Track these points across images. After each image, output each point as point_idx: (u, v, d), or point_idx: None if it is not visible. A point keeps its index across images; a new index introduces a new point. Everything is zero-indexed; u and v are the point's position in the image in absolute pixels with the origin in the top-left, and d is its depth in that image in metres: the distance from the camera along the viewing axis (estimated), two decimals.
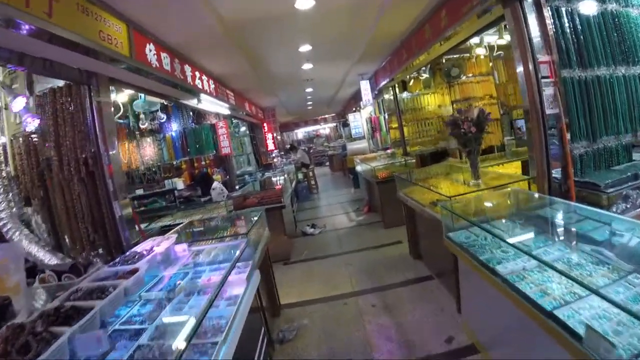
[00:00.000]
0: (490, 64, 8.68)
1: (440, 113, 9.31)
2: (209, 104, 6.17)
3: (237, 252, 2.78)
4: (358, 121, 12.55)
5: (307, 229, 7.61)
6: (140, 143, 7.97)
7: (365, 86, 8.64)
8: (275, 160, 13.00)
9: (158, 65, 3.90)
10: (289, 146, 15.99)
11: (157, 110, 6.76)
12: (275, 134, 12.02)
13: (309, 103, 13.50)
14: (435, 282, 4.48)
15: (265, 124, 11.80)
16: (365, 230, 7.29)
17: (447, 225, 3.21)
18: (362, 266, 5.41)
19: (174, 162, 8.25)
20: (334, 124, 25.70)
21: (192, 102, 5.52)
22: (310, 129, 26.07)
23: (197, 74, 5.20)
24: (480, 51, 7.49)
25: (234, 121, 11.21)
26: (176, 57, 4.40)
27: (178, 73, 4.41)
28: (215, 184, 6.78)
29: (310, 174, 13.33)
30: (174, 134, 8.09)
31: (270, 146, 12.06)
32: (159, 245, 2.93)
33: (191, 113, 8.04)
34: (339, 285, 4.87)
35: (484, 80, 8.64)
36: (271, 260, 4.29)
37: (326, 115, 20.39)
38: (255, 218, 3.72)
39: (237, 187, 9.18)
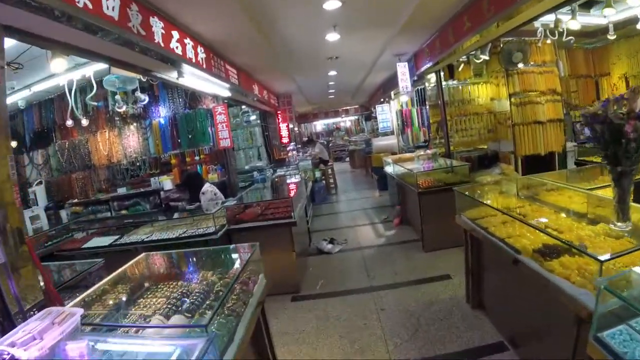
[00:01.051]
0: (555, 53, 7.01)
1: (492, 108, 7.62)
2: (197, 80, 4.62)
3: None
4: (386, 114, 10.88)
5: (324, 245, 6.05)
6: (123, 131, 6.53)
7: (402, 69, 6.98)
8: (290, 154, 11.46)
9: (92, 6, 2.36)
10: (306, 139, 14.44)
11: (136, 90, 5.26)
12: (290, 125, 10.45)
13: (331, 91, 11.81)
14: (510, 355, 2.91)
15: (279, 113, 10.26)
16: (399, 252, 5.67)
17: (601, 318, 1.59)
18: (399, 315, 3.82)
19: (162, 156, 6.78)
20: (356, 117, 23.99)
21: (171, 77, 3.97)
22: (330, 121, 24.40)
23: (176, 34, 3.64)
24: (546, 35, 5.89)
25: (243, 108, 9.70)
26: (133, 0, 2.85)
27: (136, 26, 2.86)
28: (206, 187, 5.27)
29: (329, 171, 11.74)
30: (162, 120, 6.61)
31: (285, 138, 10.51)
32: (37, 339, 1.40)
33: (184, 95, 6.54)
34: (367, 348, 3.32)
35: (546, 72, 7.00)
36: (274, 293, 2.77)
37: (348, 107, 18.69)
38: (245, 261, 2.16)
39: (240, 187, 7.71)
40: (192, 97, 6.51)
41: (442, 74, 7.07)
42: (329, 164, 12.58)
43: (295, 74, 8.00)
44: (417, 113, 10.76)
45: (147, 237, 4.42)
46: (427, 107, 7.26)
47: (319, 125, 25.45)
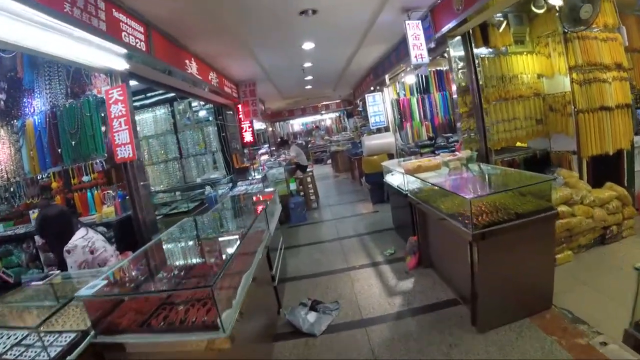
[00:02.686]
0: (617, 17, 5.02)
1: (540, 88, 5.38)
2: (41, 32, 2.14)
3: None
4: (379, 105, 8.50)
5: (302, 316, 3.63)
6: None
7: (415, 31, 4.58)
8: (259, 159, 8.99)
9: None
10: (279, 140, 11.96)
11: None
12: (258, 122, 7.94)
13: (308, 78, 9.29)
14: None
15: (240, 107, 7.75)
16: (431, 331, 3.27)
17: None
18: None
19: (39, 176, 4.22)
20: (337, 114, 21.59)
21: None
22: (308, 119, 21.90)
23: None
24: None
25: (193, 104, 7.18)
26: None
27: None
28: (76, 238, 2.76)
29: (309, 180, 9.29)
30: (37, 118, 4.06)
31: (248, 137, 7.97)
32: None
33: (66, 76, 4.00)
34: None
35: (609, 39, 5.04)
36: None
37: (329, 102, 16.24)
38: None
39: (182, 210, 5.27)
40: (76, 78, 3.96)
41: (471, 39, 4.73)
42: (308, 170, 10.13)
43: (254, 41, 5.47)
44: (418, 103, 8.44)
45: None
46: (454, 93, 4.87)
47: (296, 124, 22.93)
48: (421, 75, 8.43)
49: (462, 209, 3.07)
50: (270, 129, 17.32)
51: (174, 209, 6.36)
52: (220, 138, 7.61)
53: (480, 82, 4.68)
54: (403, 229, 5.67)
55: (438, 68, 8.54)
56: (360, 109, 13.98)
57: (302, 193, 9.29)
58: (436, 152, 7.75)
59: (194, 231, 3.74)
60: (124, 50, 3.53)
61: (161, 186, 8.20)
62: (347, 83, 10.76)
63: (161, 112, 7.95)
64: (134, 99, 8.16)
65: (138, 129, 8.32)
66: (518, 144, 5.66)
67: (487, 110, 4.74)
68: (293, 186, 7.68)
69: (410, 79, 7.24)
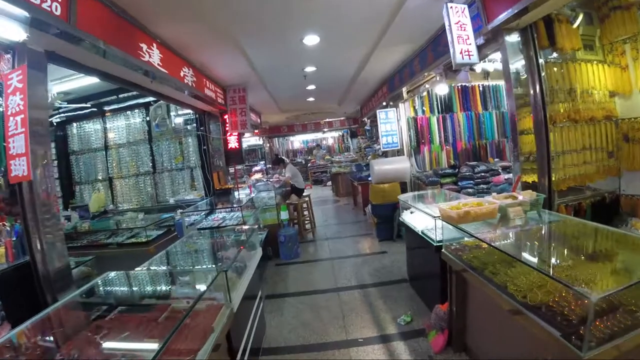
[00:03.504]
0: None
1: (614, 112, 4.12)
2: None
3: None
4: (392, 123, 7.22)
5: None
6: None
7: (459, 19, 3.32)
8: (244, 180, 7.70)
9: None
10: (273, 158, 10.67)
11: None
12: (251, 136, 6.64)
13: (310, 88, 7.96)
14: None
15: (227, 116, 6.44)
16: None
17: None
18: None
19: None
20: (340, 133, 20.38)
21: None
22: (309, 136, 20.68)
23: None
24: None
25: (166, 108, 5.95)
26: None
27: None
28: None
29: (304, 206, 7.95)
30: None
31: (233, 143, 6.55)
32: None
33: None
34: None
35: None
36: None
37: (332, 119, 14.99)
38: None
39: (141, 241, 3.96)
40: None
41: (534, 37, 3.46)
42: (305, 193, 8.79)
43: (238, 27, 4.21)
44: (438, 123, 7.16)
45: None
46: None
47: (297, 141, 21.72)
48: (436, 97, 7.19)
49: (560, 302, 1.72)
50: (268, 145, 16.03)
51: (133, 236, 5.02)
52: (201, 152, 6.28)
53: (546, 96, 3.38)
54: (422, 283, 4.31)
55: (463, 84, 7.31)
56: (367, 128, 12.70)
57: (295, 222, 7.94)
58: (459, 183, 6.44)
59: (111, 298, 2.37)
60: (24, 13, 2.25)
61: (130, 204, 6.86)
62: (355, 97, 9.50)
63: (135, 117, 6.69)
64: (103, 100, 7.00)
65: (110, 135, 7.15)
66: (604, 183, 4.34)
67: (553, 134, 3.43)
68: (285, 215, 6.31)
69: (441, 90, 5.82)
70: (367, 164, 9.94)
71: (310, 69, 6.15)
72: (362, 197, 9.24)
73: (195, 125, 6.44)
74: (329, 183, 15.64)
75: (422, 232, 3.81)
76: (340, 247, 6.80)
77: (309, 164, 17.77)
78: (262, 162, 13.90)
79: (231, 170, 6.61)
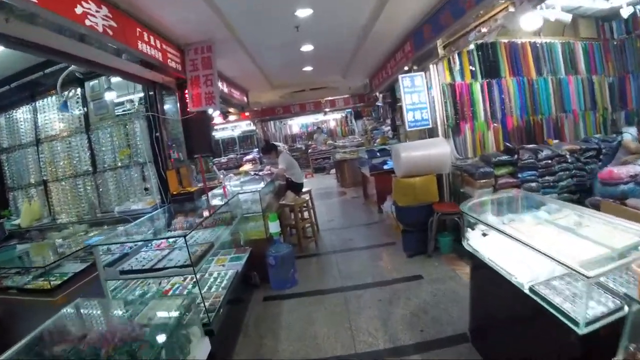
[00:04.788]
0: None
1: None
2: None
3: None
4: (421, 92, 5.21)
5: None
6: None
7: None
8: (221, 177, 5.86)
9: None
10: (263, 145, 8.73)
11: None
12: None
13: (307, 49, 5.73)
14: None
15: (188, 88, 4.43)
16: None
17: None
18: None
19: None
20: (343, 114, 18.34)
21: None
22: (309, 119, 18.60)
23: None
24: None
25: (105, 83, 4.06)
26: None
27: None
28: None
29: (304, 207, 6.07)
30: None
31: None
32: None
33: None
34: None
35: None
36: None
37: (335, 97, 12.88)
38: None
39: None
40: None
41: None
42: (304, 190, 6.89)
43: None
44: (483, 92, 5.22)
45: None
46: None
47: (295, 125, 19.71)
48: (484, 48, 5.22)
49: None
50: (259, 131, 14.00)
51: (33, 279, 3.23)
52: (153, 141, 4.36)
53: None
54: (495, 348, 2.44)
55: (513, 39, 5.35)
56: (379, 104, 10.64)
57: (293, 230, 6.10)
58: (519, 175, 4.54)
59: None
60: None
61: (69, 216, 5.01)
62: (364, 65, 7.40)
63: (68, 99, 4.79)
64: (28, 79, 5.01)
65: (42, 125, 5.16)
66: None
67: None
68: (275, 227, 4.41)
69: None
70: (380, 148, 7.98)
71: (304, 11, 4.11)
72: (377, 190, 7.33)
73: (145, 104, 4.51)
74: (333, 171, 13.73)
75: (532, 291, 1.92)
76: (355, 266, 4.92)
77: (309, 150, 15.82)
78: (255, 150, 12.00)
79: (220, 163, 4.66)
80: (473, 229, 2.87)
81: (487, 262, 2.46)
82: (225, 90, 6.53)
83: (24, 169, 5.24)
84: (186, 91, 4.51)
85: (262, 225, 4.72)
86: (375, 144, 10.55)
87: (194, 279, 2.55)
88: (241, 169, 9.12)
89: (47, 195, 5.15)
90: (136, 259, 2.98)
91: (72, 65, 3.87)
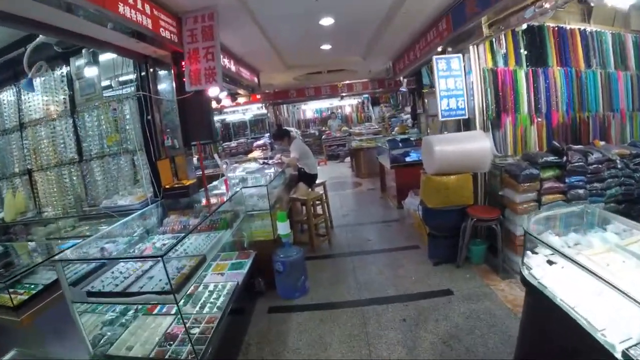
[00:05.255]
0: None
1: None
2: None
3: None
4: (457, 78, 4.50)
5: None
6: None
7: None
8: (223, 167, 5.31)
9: None
10: (275, 130, 8.09)
11: None
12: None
13: (327, 23, 4.99)
14: None
15: (186, 62, 3.83)
16: None
17: None
18: None
19: None
20: (360, 100, 17.55)
21: None
22: (324, 104, 17.84)
23: None
24: None
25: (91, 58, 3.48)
26: None
27: None
28: None
29: (317, 201, 5.48)
30: None
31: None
32: None
33: None
34: None
35: None
36: None
37: (353, 81, 12.05)
38: None
39: None
40: None
41: None
42: (318, 182, 6.29)
43: None
44: (528, 81, 4.48)
45: None
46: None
47: (309, 110, 18.99)
48: (533, 31, 4.45)
49: None
50: (270, 115, 13.33)
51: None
52: (144, 126, 3.78)
53: None
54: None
55: (560, 24, 4.58)
56: (402, 90, 9.87)
57: (304, 226, 5.55)
58: (567, 180, 3.85)
59: None
60: None
61: (54, 209, 4.50)
62: (389, 45, 6.57)
63: (52, 78, 4.24)
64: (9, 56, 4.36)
65: (25, 108, 4.48)
66: None
67: None
68: (284, 228, 3.82)
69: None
70: (403, 139, 7.29)
71: None
72: (397, 185, 6.69)
73: (135, 83, 3.91)
74: (347, 159, 13.06)
75: (626, 356, 1.31)
76: (373, 274, 4.33)
77: (322, 136, 15.14)
78: (267, 135, 11.37)
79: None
80: (534, 252, 2.25)
81: (559, 303, 1.84)
82: (233, 69, 5.88)
83: (8, 156, 4.72)
84: (183, 67, 3.88)
85: (269, 225, 4.14)
86: (393, 133, 9.84)
87: (176, 307, 1.97)
88: (250, 155, 8.54)
89: (32, 186, 4.64)
90: (112, 272, 2.42)
91: (41, 36, 3.26)
